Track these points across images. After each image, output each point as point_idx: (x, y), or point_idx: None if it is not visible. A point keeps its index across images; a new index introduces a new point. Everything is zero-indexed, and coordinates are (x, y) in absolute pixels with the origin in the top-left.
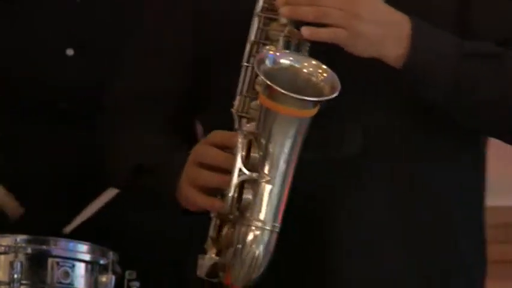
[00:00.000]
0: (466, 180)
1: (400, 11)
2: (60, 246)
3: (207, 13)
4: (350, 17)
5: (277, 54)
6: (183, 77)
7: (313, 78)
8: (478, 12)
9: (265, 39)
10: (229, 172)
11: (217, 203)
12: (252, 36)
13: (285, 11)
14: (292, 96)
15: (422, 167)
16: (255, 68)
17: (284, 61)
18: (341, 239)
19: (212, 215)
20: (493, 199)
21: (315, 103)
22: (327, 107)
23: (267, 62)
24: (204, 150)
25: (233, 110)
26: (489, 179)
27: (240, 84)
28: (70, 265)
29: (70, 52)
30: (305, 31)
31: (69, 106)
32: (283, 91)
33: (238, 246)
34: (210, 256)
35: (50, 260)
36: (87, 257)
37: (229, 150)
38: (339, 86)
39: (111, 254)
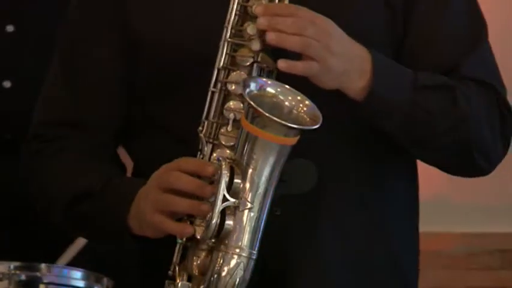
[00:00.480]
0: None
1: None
2: (54, 273)
3: (142, 41)
4: (324, 50)
5: (268, 82)
6: (113, 104)
7: (295, 111)
8: (416, 38)
9: (232, 65)
10: (200, 199)
11: (189, 229)
12: (220, 62)
13: (272, 37)
14: (277, 122)
15: (372, 197)
16: (242, 91)
17: (269, 89)
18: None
19: (179, 240)
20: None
21: (296, 132)
22: None
23: (252, 87)
24: (174, 176)
25: (201, 135)
26: None
27: (206, 109)
28: None
29: (7, 84)
30: (282, 64)
31: (13, 136)
32: (268, 115)
33: (215, 273)
34: (183, 282)
35: (43, 287)
36: (82, 284)
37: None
38: (320, 119)
39: (105, 280)
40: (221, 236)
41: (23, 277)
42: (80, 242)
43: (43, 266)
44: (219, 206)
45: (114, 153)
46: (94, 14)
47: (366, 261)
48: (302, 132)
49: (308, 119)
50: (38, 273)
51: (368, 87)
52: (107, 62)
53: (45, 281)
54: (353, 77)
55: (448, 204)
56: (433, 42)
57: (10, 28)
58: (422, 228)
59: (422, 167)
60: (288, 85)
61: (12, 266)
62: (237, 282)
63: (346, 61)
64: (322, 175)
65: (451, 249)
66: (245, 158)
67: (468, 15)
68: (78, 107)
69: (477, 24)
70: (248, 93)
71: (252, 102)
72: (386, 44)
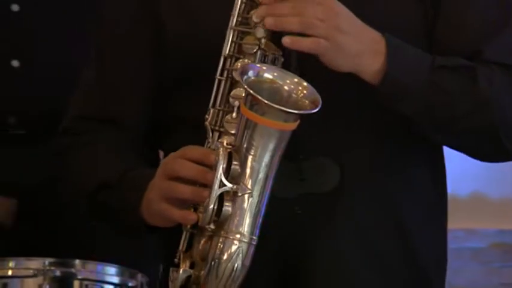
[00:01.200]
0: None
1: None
2: (88, 269)
3: (172, 36)
4: (332, 29)
5: (262, 68)
6: (144, 101)
7: (294, 95)
8: (444, 26)
9: (238, 52)
10: (204, 186)
11: (192, 216)
12: (226, 50)
13: (270, 22)
14: (275, 108)
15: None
16: (238, 78)
17: (267, 75)
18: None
19: (184, 228)
20: None
21: (295, 117)
22: (305, 141)
23: (250, 74)
24: (178, 163)
25: (206, 123)
26: None
27: (212, 98)
28: None
29: (15, 63)
30: (286, 40)
31: (19, 121)
32: (266, 101)
33: (215, 259)
34: (184, 269)
35: (78, 283)
36: (116, 280)
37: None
38: (319, 102)
39: (139, 276)
40: (220, 221)
41: (58, 273)
42: None
43: (77, 262)
44: (216, 190)
45: (145, 151)
46: (128, 13)
47: (385, 259)
48: (302, 116)
49: (307, 103)
50: (72, 269)
51: (383, 70)
52: (139, 59)
53: (79, 277)
54: (367, 58)
55: (485, 201)
56: (459, 30)
57: (15, 7)
58: (459, 225)
59: (459, 164)
60: (307, 77)
61: (46, 262)
62: (235, 268)
63: (358, 41)
64: (343, 174)
65: (486, 245)
66: (245, 144)
67: (495, 1)
68: (109, 103)
69: (503, 9)
70: (246, 80)
71: (249, 89)
72: (420, 35)
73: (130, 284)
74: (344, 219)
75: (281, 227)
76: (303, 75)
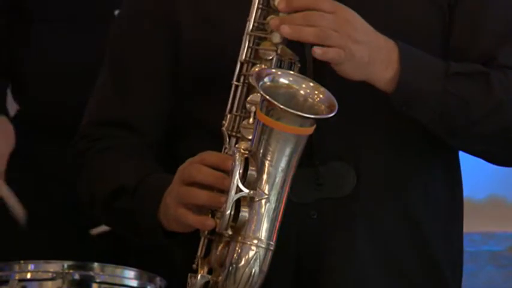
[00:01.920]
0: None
1: (386, 33)
2: (107, 272)
3: (186, 44)
4: (346, 38)
5: (278, 72)
6: (159, 105)
7: (310, 99)
8: (459, 31)
9: (255, 58)
10: (221, 191)
11: (210, 222)
12: (242, 56)
13: (287, 31)
14: (291, 113)
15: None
16: (254, 83)
17: (283, 80)
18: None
19: (202, 234)
20: None
21: (311, 121)
22: (321, 146)
23: (266, 79)
24: (195, 169)
25: (223, 129)
26: None
27: (229, 103)
28: None
29: None
30: (318, 51)
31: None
32: (282, 106)
33: (233, 264)
34: (202, 275)
35: (96, 286)
36: (135, 283)
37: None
38: (336, 106)
39: (158, 280)
40: (237, 226)
41: (76, 276)
42: None
43: (96, 265)
44: (233, 196)
45: (162, 156)
46: (143, 17)
47: (401, 263)
48: (319, 120)
49: (323, 107)
50: (91, 273)
51: (396, 78)
52: (154, 63)
53: (98, 280)
54: (380, 67)
55: (502, 204)
56: (474, 35)
57: None
58: (476, 228)
59: (475, 168)
60: (324, 82)
61: (65, 265)
62: (253, 273)
63: (371, 50)
64: (359, 179)
65: (503, 249)
66: (261, 149)
67: (510, 5)
68: (125, 107)
69: None
70: (261, 85)
71: (264, 94)
72: (438, 41)
73: None
74: (360, 224)
75: (298, 232)
76: (319, 81)
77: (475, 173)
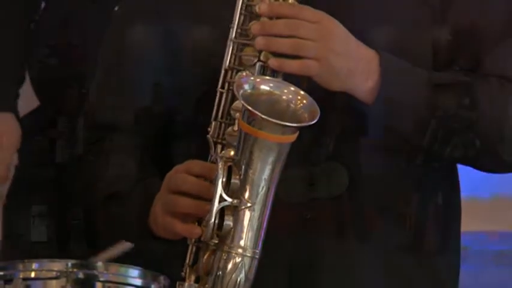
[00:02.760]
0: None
1: (376, 37)
2: (111, 271)
3: (178, 50)
4: (324, 49)
5: (257, 80)
6: (154, 112)
7: (292, 105)
8: (448, 36)
9: (239, 65)
10: (207, 200)
11: (197, 230)
12: (226, 63)
13: (260, 43)
14: (272, 122)
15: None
16: (235, 93)
17: (263, 87)
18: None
19: (189, 242)
20: None
21: (294, 129)
22: (314, 147)
23: (247, 87)
24: (180, 179)
25: (208, 136)
26: None
27: (214, 110)
28: None
29: None
30: (273, 62)
31: None
32: (263, 116)
33: (218, 273)
34: (190, 283)
35: (100, 285)
36: (139, 282)
37: (206, 180)
38: (318, 113)
39: (162, 279)
40: (222, 235)
41: (80, 275)
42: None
43: (100, 263)
44: (216, 205)
45: (157, 159)
46: (139, 17)
47: (395, 263)
48: (301, 128)
49: (306, 114)
50: (95, 271)
51: (376, 89)
52: (148, 65)
53: (102, 279)
54: (359, 78)
55: (507, 203)
56: (461, 40)
57: None
58: (481, 227)
59: None
60: (310, 88)
61: (69, 264)
62: (239, 281)
63: (350, 61)
64: (352, 178)
65: (509, 247)
66: (244, 158)
67: (502, 11)
68: (120, 110)
69: (507, 21)
70: (242, 93)
71: (245, 104)
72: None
73: (153, 287)
74: (353, 223)
75: (290, 232)
76: (309, 83)
77: (480, 172)
